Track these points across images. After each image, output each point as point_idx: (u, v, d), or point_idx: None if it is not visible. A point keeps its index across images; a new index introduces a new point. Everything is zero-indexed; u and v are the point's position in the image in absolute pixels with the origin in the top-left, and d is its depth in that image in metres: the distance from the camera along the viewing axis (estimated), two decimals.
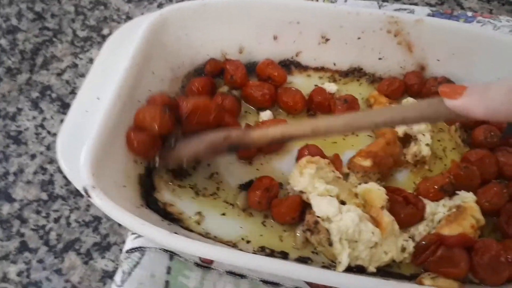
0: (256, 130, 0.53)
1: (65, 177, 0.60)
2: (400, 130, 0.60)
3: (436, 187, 0.54)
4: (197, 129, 0.55)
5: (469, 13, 0.77)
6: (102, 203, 0.46)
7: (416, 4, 0.83)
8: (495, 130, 0.59)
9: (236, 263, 0.46)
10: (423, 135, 0.60)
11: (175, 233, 0.46)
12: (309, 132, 0.50)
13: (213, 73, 0.66)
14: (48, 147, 0.64)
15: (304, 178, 0.53)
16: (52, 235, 0.57)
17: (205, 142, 0.53)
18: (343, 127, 0.49)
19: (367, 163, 0.56)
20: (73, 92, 0.70)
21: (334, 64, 0.68)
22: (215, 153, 0.54)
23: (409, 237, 0.52)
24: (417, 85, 0.65)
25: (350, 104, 0.63)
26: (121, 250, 0.54)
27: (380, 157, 0.56)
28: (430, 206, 0.53)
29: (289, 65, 0.69)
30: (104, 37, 0.77)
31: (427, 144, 0.59)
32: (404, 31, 0.64)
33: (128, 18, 0.80)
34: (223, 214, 0.55)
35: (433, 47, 0.64)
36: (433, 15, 0.76)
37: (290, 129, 0.51)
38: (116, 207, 0.46)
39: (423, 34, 0.64)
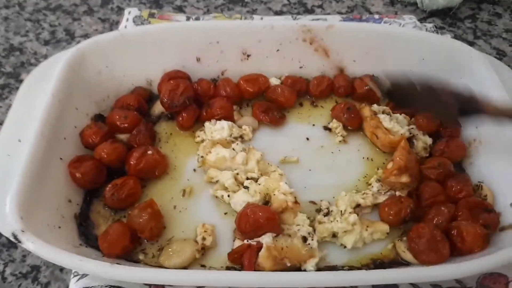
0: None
1: None
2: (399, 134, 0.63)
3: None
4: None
5: (376, 16, 0.82)
6: (35, 246, 0.44)
7: (328, 13, 0.88)
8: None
9: (187, 282, 0.44)
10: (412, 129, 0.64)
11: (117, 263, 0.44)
12: None
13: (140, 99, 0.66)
14: None
15: None
16: None
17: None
18: None
19: (405, 179, 0.56)
20: None
21: None
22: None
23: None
24: (344, 87, 0.68)
25: (354, 111, 0.65)
26: None
27: (412, 168, 0.57)
28: None
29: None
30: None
31: (423, 134, 0.63)
32: (318, 38, 0.67)
33: None
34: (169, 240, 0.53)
35: (347, 49, 0.68)
36: (344, 21, 0.80)
37: None
38: (50, 247, 0.44)
39: (336, 39, 0.67)
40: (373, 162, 0.62)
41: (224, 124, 0.62)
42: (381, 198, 0.56)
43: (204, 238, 0.52)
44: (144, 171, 0.57)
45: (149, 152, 0.58)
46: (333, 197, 0.57)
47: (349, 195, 0.56)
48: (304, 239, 0.52)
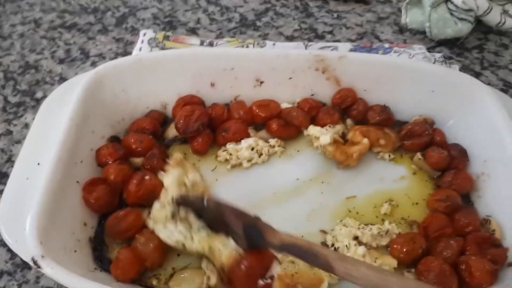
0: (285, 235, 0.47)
1: (9, 250, 0.58)
2: None
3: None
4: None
5: (386, 45, 0.84)
6: (54, 271, 0.45)
7: (338, 40, 0.90)
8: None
9: None
10: None
11: None
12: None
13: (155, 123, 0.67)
14: None
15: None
16: None
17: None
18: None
19: None
20: (9, 160, 0.67)
21: None
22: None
23: None
24: (357, 111, 0.69)
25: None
26: None
27: None
28: None
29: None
30: (38, 101, 0.76)
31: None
32: (331, 68, 0.69)
33: (62, 79, 0.79)
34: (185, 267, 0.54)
35: (359, 79, 0.70)
36: (355, 50, 0.82)
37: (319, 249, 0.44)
38: (69, 274, 0.45)
39: (348, 69, 0.69)
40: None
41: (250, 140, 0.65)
42: (383, 240, 0.56)
43: (208, 278, 0.52)
44: (145, 198, 0.57)
45: (147, 177, 0.58)
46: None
47: (345, 229, 0.56)
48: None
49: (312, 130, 0.66)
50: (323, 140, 0.64)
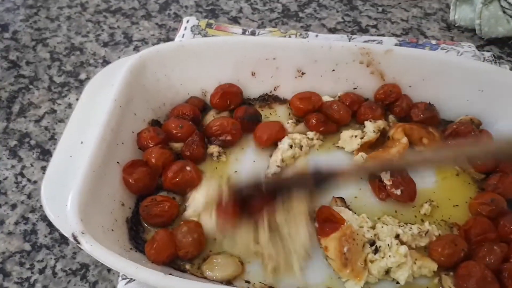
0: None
1: (48, 225, 0.59)
2: None
3: None
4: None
5: (433, 41, 0.81)
6: (93, 248, 0.45)
7: (383, 35, 0.88)
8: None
9: None
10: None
11: (170, 274, 0.45)
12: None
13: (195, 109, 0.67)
14: (29, 196, 0.62)
15: None
16: (38, 287, 0.54)
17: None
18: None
19: None
20: (52, 138, 0.69)
21: None
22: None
23: None
24: (400, 108, 0.67)
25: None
26: None
27: None
28: None
29: (268, 99, 0.70)
30: (81, 82, 0.77)
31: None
32: (376, 61, 0.67)
33: (105, 62, 0.81)
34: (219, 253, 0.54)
35: (404, 74, 0.68)
36: (400, 45, 0.80)
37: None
38: (107, 252, 0.45)
39: (393, 63, 0.67)
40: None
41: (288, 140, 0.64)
42: (422, 241, 0.55)
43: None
44: (180, 186, 0.58)
45: (188, 168, 0.58)
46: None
47: (387, 228, 0.55)
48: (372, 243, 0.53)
49: (343, 144, 0.65)
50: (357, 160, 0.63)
